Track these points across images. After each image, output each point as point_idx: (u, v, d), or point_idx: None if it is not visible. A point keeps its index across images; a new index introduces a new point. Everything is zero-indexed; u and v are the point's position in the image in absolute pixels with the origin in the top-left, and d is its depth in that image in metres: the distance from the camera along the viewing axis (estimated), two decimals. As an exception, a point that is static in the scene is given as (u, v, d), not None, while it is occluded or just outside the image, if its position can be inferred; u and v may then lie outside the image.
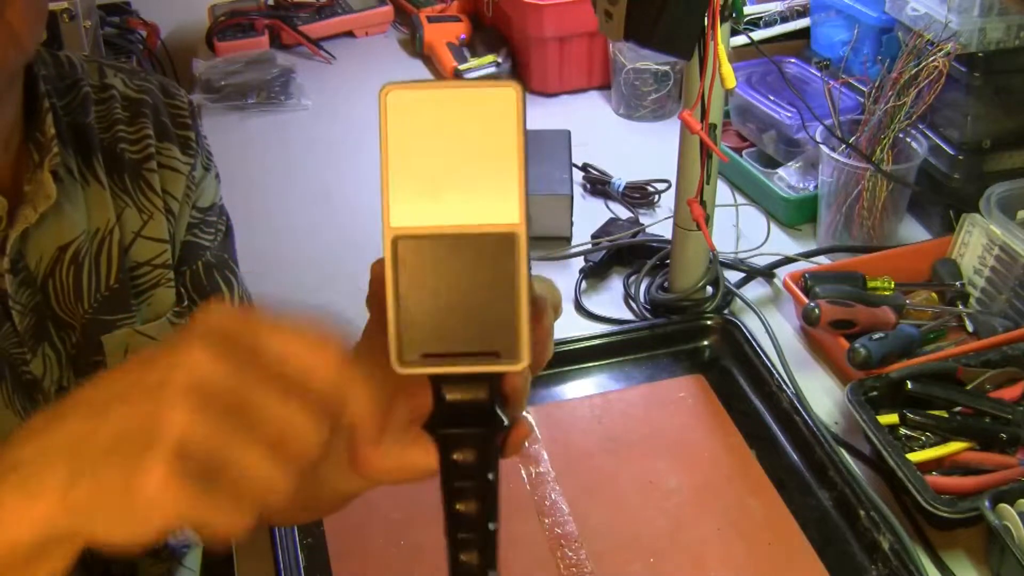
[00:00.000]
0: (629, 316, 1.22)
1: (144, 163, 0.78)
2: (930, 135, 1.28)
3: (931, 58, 1.17)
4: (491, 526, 0.46)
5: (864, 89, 1.29)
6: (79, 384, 0.74)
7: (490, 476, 0.45)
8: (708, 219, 1.11)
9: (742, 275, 1.27)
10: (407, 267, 0.42)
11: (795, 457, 1.01)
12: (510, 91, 0.41)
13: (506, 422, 0.46)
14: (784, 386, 1.05)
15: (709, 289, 1.21)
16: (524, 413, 0.48)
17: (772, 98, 1.46)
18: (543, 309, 0.47)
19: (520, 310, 0.42)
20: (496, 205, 0.41)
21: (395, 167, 0.41)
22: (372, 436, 0.50)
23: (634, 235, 1.33)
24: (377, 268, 0.46)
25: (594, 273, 1.28)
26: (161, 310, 0.79)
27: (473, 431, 0.45)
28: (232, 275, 0.86)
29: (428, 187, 0.41)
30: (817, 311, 1.06)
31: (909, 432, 0.97)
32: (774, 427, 1.04)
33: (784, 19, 1.63)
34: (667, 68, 1.60)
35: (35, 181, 0.69)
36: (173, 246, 0.80)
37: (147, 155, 0.78)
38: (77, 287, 0.74)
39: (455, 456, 0.45)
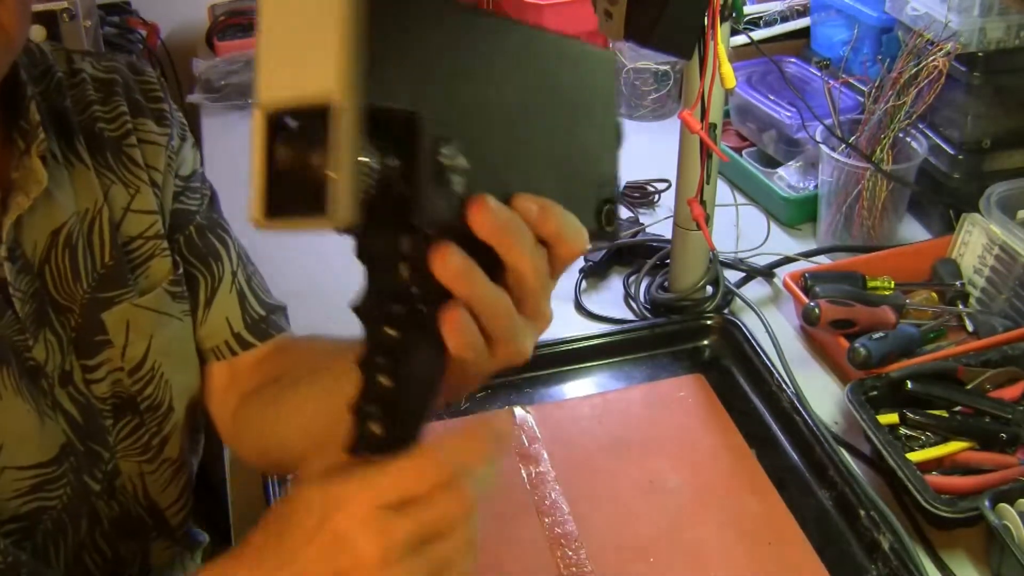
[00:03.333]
0: (629, 316, 1.22)
1: (124, 139, 0.80)
2: (930, 135, 1.28)
3: (931, 58, 1.17)
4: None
5: (864, 89, 1.29)
6: (82, 367, 0.74)
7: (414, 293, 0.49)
8: (708, 219, 1.11)
9: (742, 275, 1.27)
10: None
11: (795, 457, 1.01)
12: None
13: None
14: (784, 386, 1.05)
15: (709, 289, 1.21)
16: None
17: (772, 98, 1.46)
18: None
19: (342, 174, 0.41)
20: (317, 74, 0.40)
21: (263, 43, 0.41)
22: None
23: (634, 235, 1.33)
24: None
25: (594, 273, 1.28)
26: (157, 280, 0.80)
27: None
28: (225, 233, 0.87)
29: (280, 61, 0.41)
30: (817, 311, 1.06)
31: (909, 432, 0.97)
32: (774, 427, 1.04)
33: (784, 19, 1.63)
34: (667, 68, 1.60)
35: (23, 168, 0.70)
36: (163, 216, 0.81)
37: (125, 132, 0.80)
38: (74, 269, 0.75)
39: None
